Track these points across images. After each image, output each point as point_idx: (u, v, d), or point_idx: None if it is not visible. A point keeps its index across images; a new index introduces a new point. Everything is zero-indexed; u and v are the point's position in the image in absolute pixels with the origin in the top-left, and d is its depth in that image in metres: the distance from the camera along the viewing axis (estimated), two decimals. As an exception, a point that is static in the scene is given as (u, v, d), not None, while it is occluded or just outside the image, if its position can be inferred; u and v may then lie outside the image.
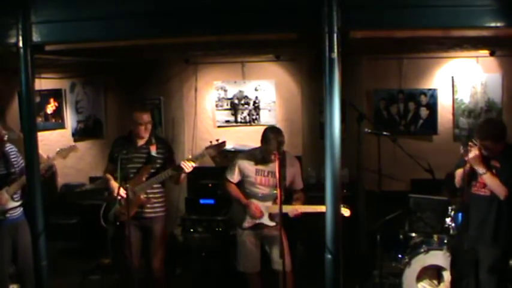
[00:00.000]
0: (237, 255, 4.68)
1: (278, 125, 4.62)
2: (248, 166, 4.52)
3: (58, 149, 4.50)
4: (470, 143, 3.95)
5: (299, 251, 5.62)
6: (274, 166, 4.31)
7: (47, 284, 3.55)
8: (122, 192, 4.34)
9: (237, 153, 4.87)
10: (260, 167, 4.49)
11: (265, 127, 4.59)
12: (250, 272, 4.60)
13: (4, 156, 4.44)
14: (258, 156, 4.49)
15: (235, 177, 4.56)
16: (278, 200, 4.00)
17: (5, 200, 4.36)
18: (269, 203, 4.47)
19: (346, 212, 4.23)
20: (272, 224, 4.43)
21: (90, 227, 5.75)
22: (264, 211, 4.47)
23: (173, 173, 4.46)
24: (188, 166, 4.35)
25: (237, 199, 4.55)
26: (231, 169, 4.59)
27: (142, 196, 4.48)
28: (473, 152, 3.93)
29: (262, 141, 4.40)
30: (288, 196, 4.51)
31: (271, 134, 4.33)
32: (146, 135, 4.56)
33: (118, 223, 4.54)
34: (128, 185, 4.23)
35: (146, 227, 4.60)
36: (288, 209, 4.33)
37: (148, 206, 4.52)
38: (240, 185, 4.60)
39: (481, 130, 3.99)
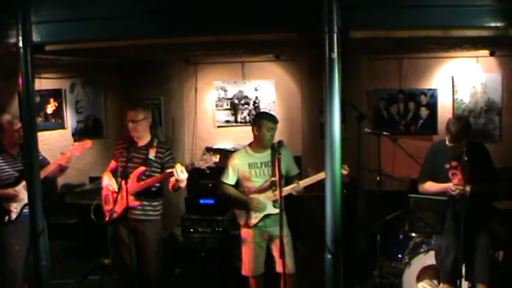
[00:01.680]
0: (241, 258, 4.62)
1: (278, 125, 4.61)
2: (240, 162, 4.52)
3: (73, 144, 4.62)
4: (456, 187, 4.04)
5: (299, 251, 5.62)
6: (267, 156, 4.42)
7: (47, 284, 3.55)
8: (112, 185, 4.41)
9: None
10: (252, 160, 4.49)
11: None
12: (254, 275, 4.56)
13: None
14: (249, 148, 4.53)
15: (230, 178, 4.55)
16: (278, 192, 4.04)
17: (23, 195, 4.38)
18: (269, 192, 4.46)
19: (345, 170, 4.20)
20: (277, 210, 4.34)
21: (90, 227, 5.73)
22: (266, 201, 4.46)
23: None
24: (178, 171, 4.19)
25: (237, 198, 4.53)
26: (225, 171, 4.57)
27: (132, 198, 4.36)
28: (458, 188, 4.02)
29: (255, 124, 4.47)
30: (286, 182, 4.51)
31: (264, 114, 4.70)
32: (136, 134, 4.47)
33: (107, 220, 4.49)
34: (127, 183, 4.22)
35: (137, 230, 4.47)
36: (289, 189, 4.37)
37: (139, 207, 4.43)
38: (238, 183, 4.58)
39: (465, 129, 4.08)
